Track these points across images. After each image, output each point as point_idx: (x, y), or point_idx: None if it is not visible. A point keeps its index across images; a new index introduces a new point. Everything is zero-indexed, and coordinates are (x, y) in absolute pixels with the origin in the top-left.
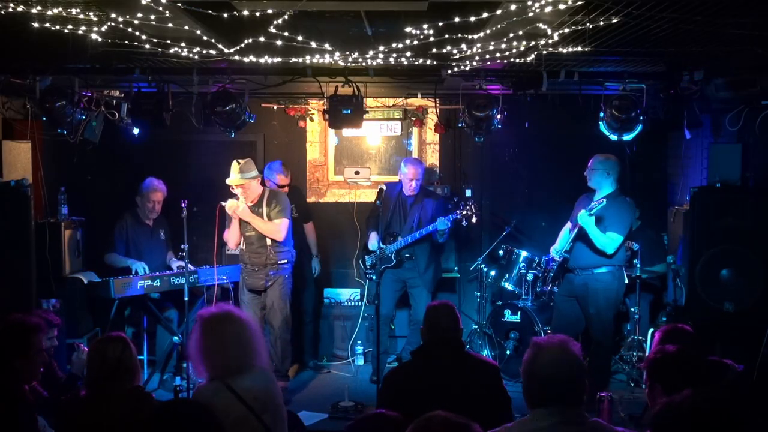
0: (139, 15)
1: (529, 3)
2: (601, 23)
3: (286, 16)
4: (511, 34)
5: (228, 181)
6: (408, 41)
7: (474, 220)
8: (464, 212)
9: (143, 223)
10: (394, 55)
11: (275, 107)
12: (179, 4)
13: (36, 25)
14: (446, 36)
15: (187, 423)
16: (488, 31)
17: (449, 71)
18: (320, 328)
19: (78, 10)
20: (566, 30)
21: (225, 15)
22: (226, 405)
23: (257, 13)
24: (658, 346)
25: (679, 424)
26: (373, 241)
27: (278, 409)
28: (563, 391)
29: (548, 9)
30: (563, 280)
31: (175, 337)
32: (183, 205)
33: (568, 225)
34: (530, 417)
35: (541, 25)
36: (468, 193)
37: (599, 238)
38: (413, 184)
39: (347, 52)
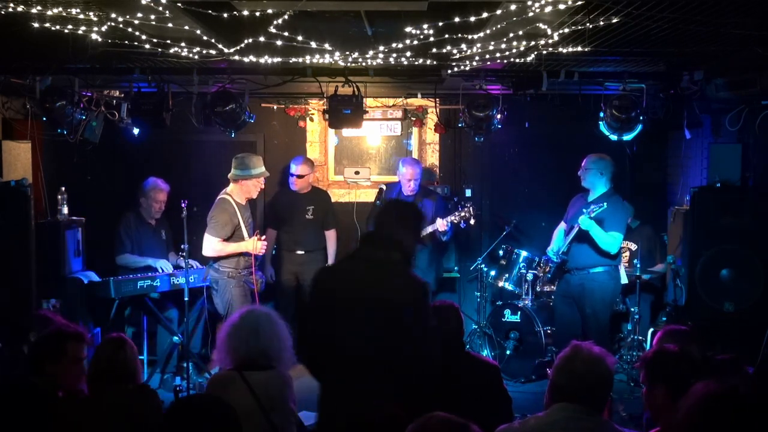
0: (139, 15)
1: (529, 3)
2: (601, 23)
3: (286, 16)
4: (511, 34)
5: (262, 173)
6: (408, 41)
7: (472, 222)
8: (462, 214)
9: (146, 223)
10: (394, 55)
11: (275, 107)
12: (179, 4)
13: (36, 25)
14: (446, 36)
15: (204, 417)
16: (488, 31)
17: (449, 71)
18: None
19: (78, 10)
20: (566, 30)
21: (225, 15)
22: (237, 396)
23: (257, 13)
24: (656, 346)
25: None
26: None
27: (289, 412)
28: (586, 393)
29: (548, 9)
30: (560, 280)
31: (175, 337)
32: (183, 205)
33: (562, 225)
34: (547, 411)
35: (541, 25)
36: (468, 193)
37: (604, 239)
38: (412, 184)
39: (347, 52)
